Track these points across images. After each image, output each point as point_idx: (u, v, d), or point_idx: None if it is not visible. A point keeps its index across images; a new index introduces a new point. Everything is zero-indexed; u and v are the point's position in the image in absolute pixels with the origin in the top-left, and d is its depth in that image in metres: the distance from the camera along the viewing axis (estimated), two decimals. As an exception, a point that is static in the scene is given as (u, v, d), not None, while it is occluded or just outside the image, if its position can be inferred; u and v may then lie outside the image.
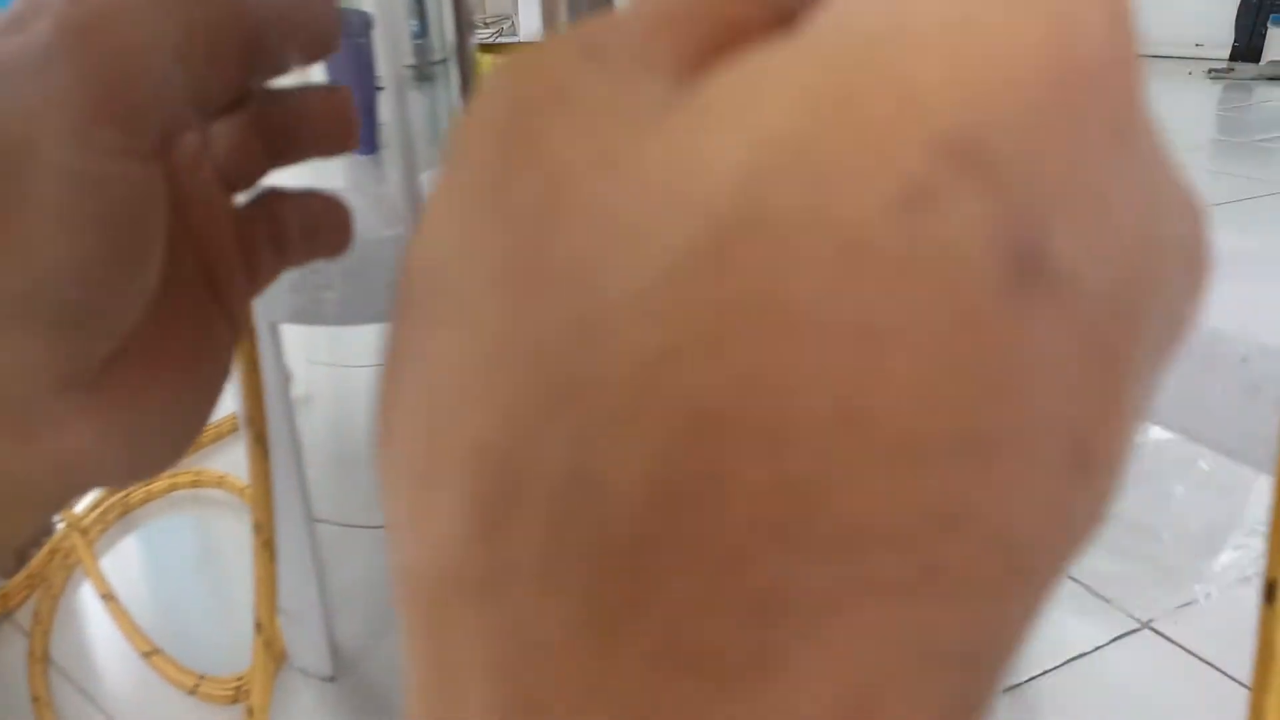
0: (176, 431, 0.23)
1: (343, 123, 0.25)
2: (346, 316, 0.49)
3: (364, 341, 0.87)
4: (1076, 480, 0.10)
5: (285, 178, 0.25)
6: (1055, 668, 0.74)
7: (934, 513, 0.09)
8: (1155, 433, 0.85)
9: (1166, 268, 0.10)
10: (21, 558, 0.52)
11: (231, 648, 0.41)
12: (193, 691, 0.53)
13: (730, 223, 0.09)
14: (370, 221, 0.45)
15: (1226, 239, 0.50)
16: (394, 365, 0.12)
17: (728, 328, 0.09)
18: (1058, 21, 0.09)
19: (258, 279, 0.25)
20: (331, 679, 0.39)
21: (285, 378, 0.62)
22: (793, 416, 0.09)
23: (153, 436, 0.22)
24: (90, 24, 0.19)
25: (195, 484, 0.90)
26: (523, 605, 0.09)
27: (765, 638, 0.09)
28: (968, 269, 0.09)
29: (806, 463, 0.09)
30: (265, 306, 0.48)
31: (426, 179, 0.42)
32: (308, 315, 0.48)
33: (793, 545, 0.09)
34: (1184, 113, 2.85)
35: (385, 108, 0.45)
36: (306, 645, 0.43)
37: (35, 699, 0.40)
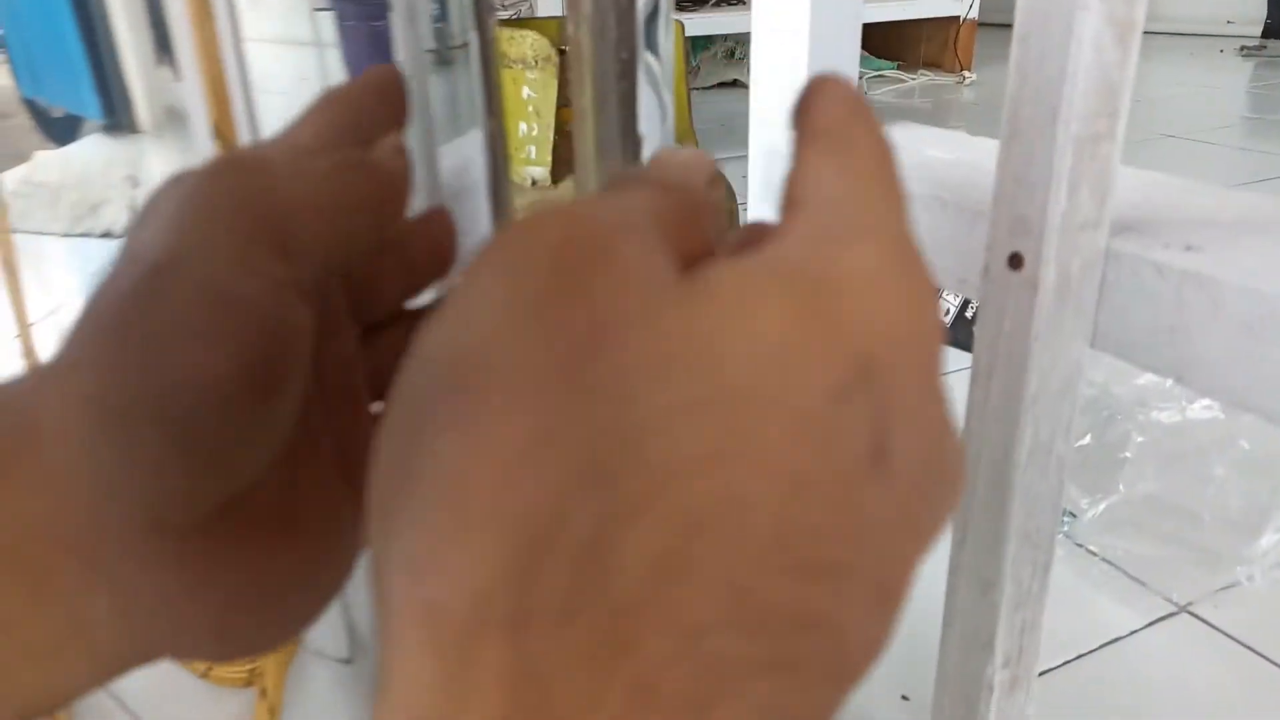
0: (270, 618, 0.20)
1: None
2: None
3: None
4: (876, 609, 0.14)
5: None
6: (1090, 651, 0.72)
7: (799, 614, 0.13)
8: (1194, 412, 0.83)
9: (942, 480, 0.15)
10: None
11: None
12: (205, 675, 0.52)
13: (732, 388, 0.13)
14: None
15: (1276, 205, 0.47)
16: (413, 427, 0.14)
17: (720, 455, 0.12)
18: (921, 298, 0.14)
19: None
20: (348, 661, 0.38)
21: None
22: (745, 530, 0.12)
23: (244, 616, 0.20)
24: (248, 162, 0.19)
25: None
26: (542, 638, 0.12)
27: (704, 691, 0.12)
28: (855, 447, 0.13)
29: (745, 570, 0.12)
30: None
31: (445, 163, 0.41)
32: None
33: (736, 628, 0.12)
34: (1215, 90, 2.80)
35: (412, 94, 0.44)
36: (322, 628, 0.42)
37: None
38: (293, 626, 0.21)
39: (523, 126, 0.91)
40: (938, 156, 0.60)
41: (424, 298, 0.25)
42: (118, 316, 0.17)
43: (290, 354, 0.18)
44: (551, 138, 0.93)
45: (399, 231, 0.24)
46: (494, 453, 0.12)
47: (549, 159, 0.94)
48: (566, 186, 0.96)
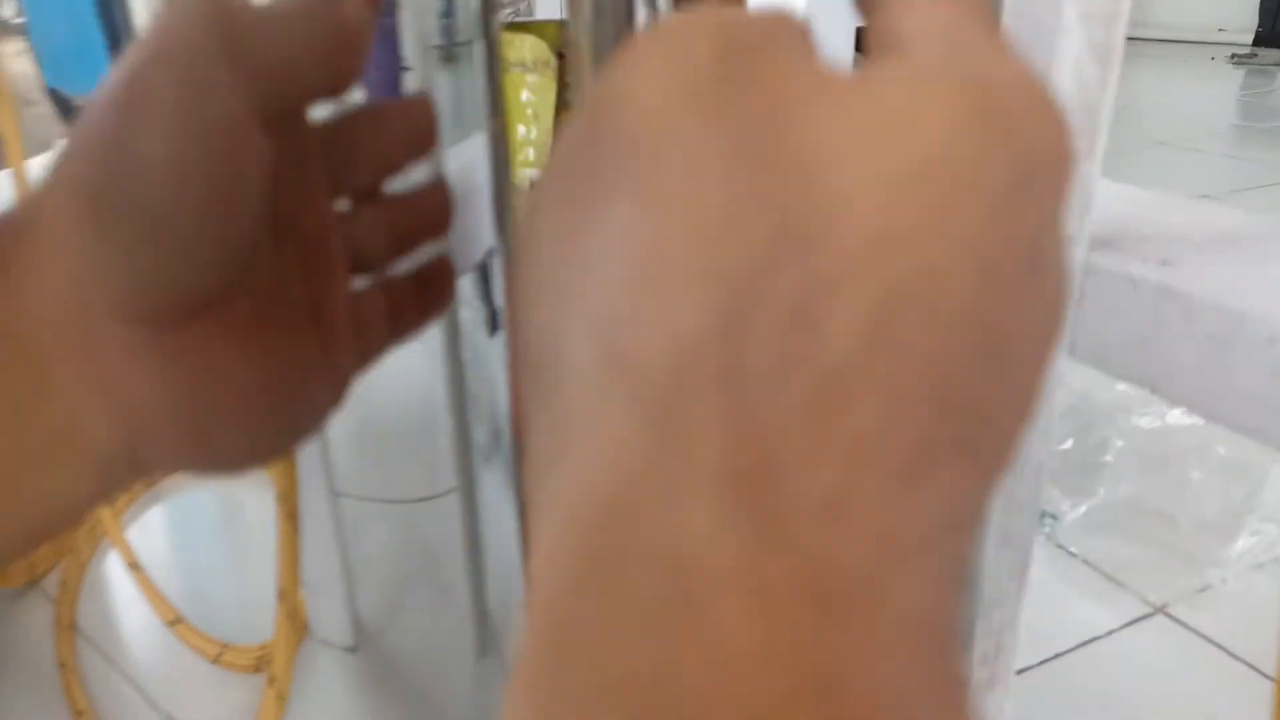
0: (244, 432, 0.22)
1: (446, 215, 0.28)
2: None
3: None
4: (1024, 411, 0.14)
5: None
6: (1069, 650, 0.74)
7: (983, 402, 0.13)
8: (1173, 418, 0.85)
9: (1061, 297, 0.15)
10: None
11: (254, 618, 0.41)
12: (216, 660, 0.53)
13: (926, 166, 0.13)
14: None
15: (1251, 221, 0.49)
16: (583, 198, 0.14)
17: (918, 230, 0.12)
18: (1066, 123, 0.14)
19: (368, 347, 0.26)
20: (353, 649, 0.40)
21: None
22: (945, 305, 0.12)
23: (221, 424, 0.22)
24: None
25: None
26: (752, 392, 0.12)
27: (915, 461, 0.12)
28: (1026, 242, 0.13)
29: (944, 346, 0.12)
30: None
31: (450, 156, 0.43)
32: None
33: (937, 404, 0.12)
34: (1206, 98, 2.82)
35: (411, 88, 0.45)
36: (328, 616, 0.44)
37: (62, 665, 0.40)
38: (262, 450, 0.23)
39: (521, 130, 0.91)
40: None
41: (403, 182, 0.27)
42: (102, 110, 0.19)
43: (249, 169, 0.21)
44: (550, 141, 0.93)
45: (379, 108, 0.26)
46: (690, 215, 0.13)
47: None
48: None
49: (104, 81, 0.20)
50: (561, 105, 0.97)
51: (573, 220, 0.14)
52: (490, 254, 0.56)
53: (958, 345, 0.12)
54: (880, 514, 0.12)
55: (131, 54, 0.20)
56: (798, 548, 0.11)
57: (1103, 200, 0.54)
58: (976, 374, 0.12)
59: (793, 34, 0.15)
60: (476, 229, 0.53)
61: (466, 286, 0.61)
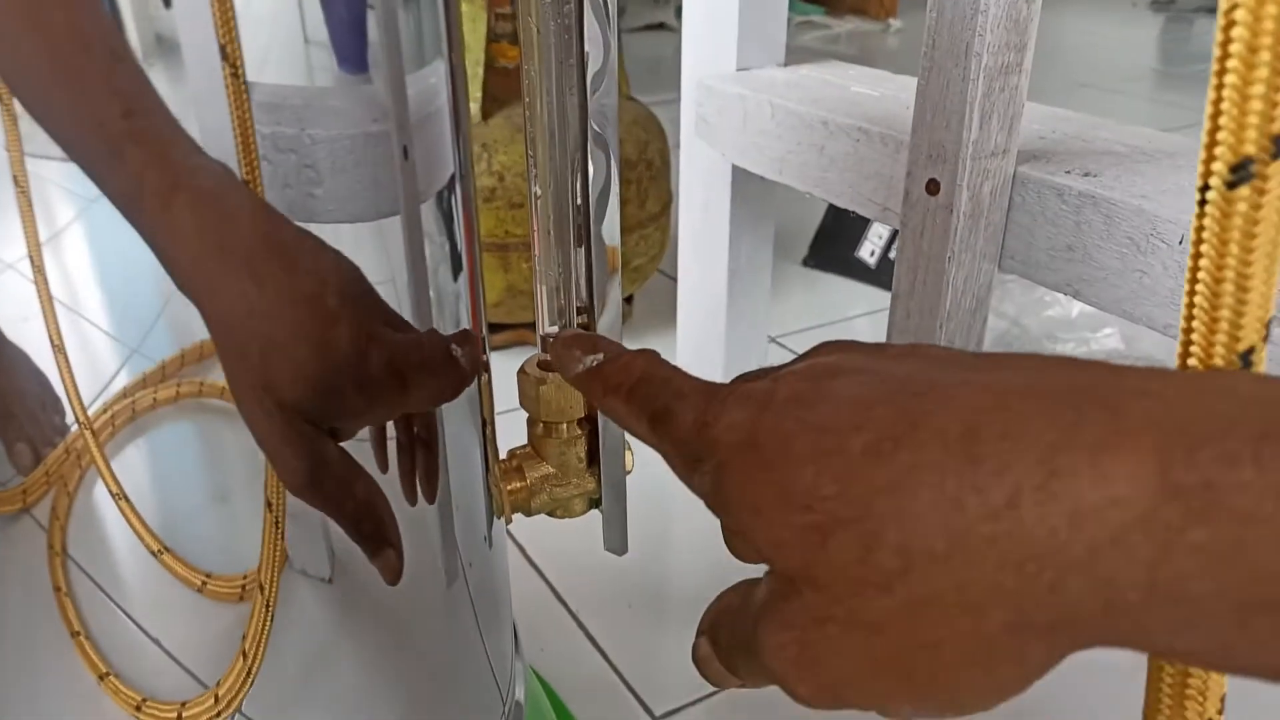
0: None
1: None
2: (334, 214, 0.49)
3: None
4: None
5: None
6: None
7: None
8: (1098, 342, 0.88)
9: None
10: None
11: (236, 550, 0.42)
12: (201, 589, 0.53)
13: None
14: (357, 116, 0.45)
15: (1168, 139, 0.51)
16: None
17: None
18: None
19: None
20: (329, 580, 0.41)
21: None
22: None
23: None
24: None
25: (199, 394, 0.89)
26: None
27: None
28: None
29: None
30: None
31: (412, 88, 0.43)
32: (301, 212, 0.49)
33: None
34: (1126, 43, 2.89)
35: (373, 27, 0.45)
36: (307, 548, 0.44)
37: (56, 589, 0.41)
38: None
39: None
40: (863, 92, 0.63)
41: None
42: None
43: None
44: (481, 74, 0.92)
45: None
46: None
47: (479, 95, 0.93)
48: (497, 123, 0.96)
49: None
50: (492, 37, 0.96)
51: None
52: (451, 181, 0.56)
53: None
54: None
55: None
56: None
57: (1033, 119, 0.56)
58: None
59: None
60: (440, 155, 0.53)
61: (429, 210, 0.60)
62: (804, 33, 2.81)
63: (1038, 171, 0.48)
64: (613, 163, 0.43)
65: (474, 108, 0.93)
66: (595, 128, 0.43)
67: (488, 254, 0.95)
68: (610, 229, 0.43)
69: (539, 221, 0.41)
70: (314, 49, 0.38)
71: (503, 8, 0.98)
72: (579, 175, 0.42)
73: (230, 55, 0.30)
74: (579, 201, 0.42)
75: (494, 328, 1.01)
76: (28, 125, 0.31)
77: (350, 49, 0.34)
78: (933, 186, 0.48)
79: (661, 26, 2.80)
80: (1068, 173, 0.47)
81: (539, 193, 0.40)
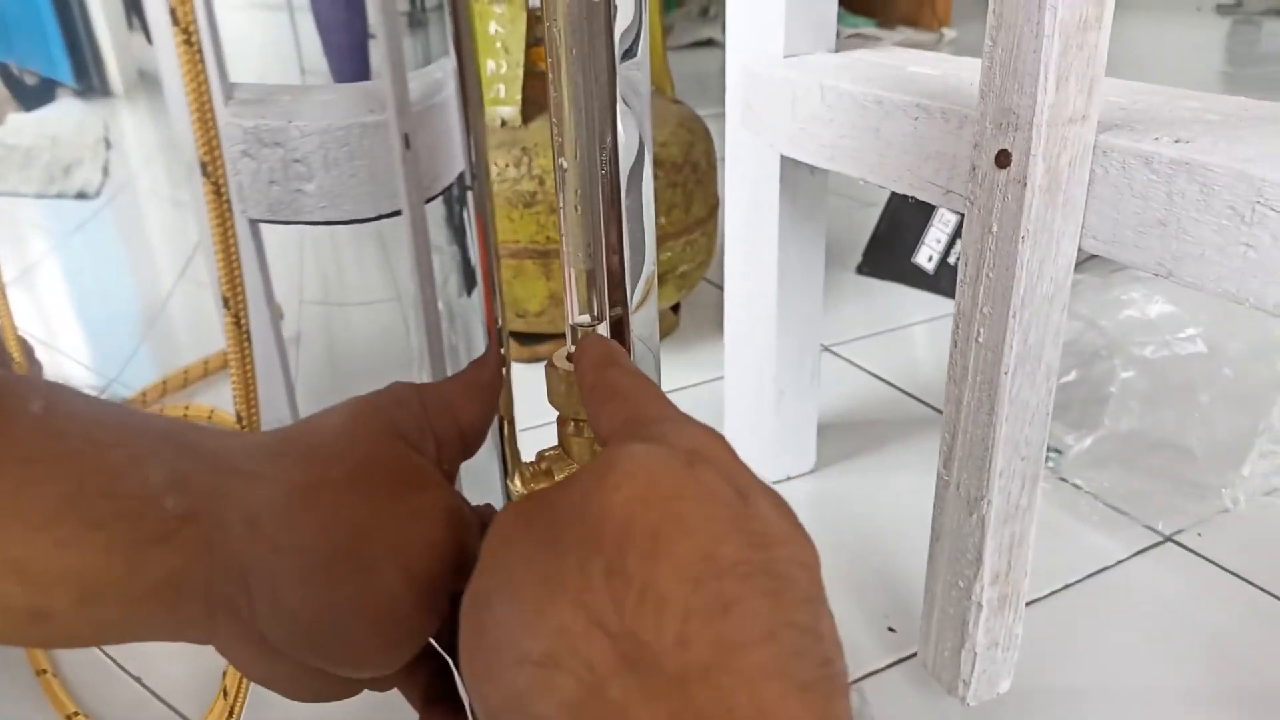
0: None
1: None
2: (326, 211, 0.46)
3: (355, 281, 0.85)
4: None
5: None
6: (1076, 582, 0.72)
7: None
8: (1179, 345, 0.82)
9: None
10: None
11: None
12: None
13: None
14: (353, 108, 0.42)
15: (1262, 105, 0.46)
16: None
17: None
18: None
19: None
20: None
21: (277, 316, 0.60)
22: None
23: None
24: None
25: (185, 418, 0.88)
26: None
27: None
28: None
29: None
30: (245, 202, 0.46)
31: (415, 80, 0.39)
32: (287, 210, 0.45)
33: None
34: (1194, 47, 2.80)
35: (376, 56, 0.43)
36: None
37: None
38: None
39: (490, 64, 0.88)
40: (922, 72, 0.59)
41: None
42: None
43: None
44: (521, 76, 0.90)
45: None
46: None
47: (519, 98, 0.91)
48: (537, 126, 0.94)
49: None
50: (532, 40, 0.94)
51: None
52: (461, 179, 0.53)
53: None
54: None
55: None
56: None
57: (1111, 93, 0.51)
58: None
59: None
60: (449, 151, 0.50)
61: (437, 216, 0.58)
62: (854, 45, 2.77)
63: (1122, 140, 0.43)
64: (646, 138, 0.39)
65: (513, 111, 0.90)
66: (624, 103, 0.39)
67: (529, 261, 0.92)
68: (644, 209, 0.39)
69: (565, 198, 0.37)
70: (305, 43, 0.36)
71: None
72: (608, 146, 0.37)
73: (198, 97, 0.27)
74: (607, 174, 0.37)
75: (536, 338, 0.98)
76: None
77: (349, 43, 0.30)
78: (1003, 159, 0.43)
79: (710, 43, 2.78)
80: (1156, 139, 0.42)
81: (565, 165, 0.36)
